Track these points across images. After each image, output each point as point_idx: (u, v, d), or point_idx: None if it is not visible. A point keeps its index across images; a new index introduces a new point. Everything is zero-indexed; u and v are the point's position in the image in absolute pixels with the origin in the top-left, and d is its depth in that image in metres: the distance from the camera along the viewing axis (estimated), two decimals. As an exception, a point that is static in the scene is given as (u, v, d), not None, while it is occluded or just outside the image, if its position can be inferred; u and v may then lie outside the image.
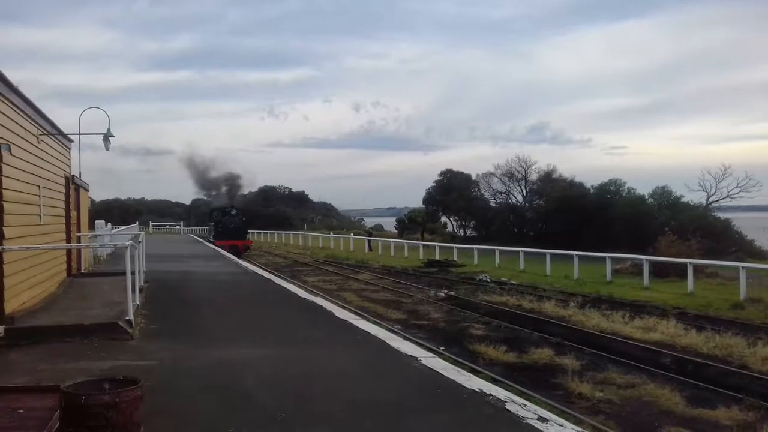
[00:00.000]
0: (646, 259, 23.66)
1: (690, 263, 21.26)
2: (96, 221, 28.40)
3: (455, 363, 9.66)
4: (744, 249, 39.12)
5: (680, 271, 22.26)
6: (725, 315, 16.52)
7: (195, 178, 73.76)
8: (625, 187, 52.54)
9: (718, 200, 49.58)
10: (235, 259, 27.17)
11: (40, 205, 11.91)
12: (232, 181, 63.77)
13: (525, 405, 5.95)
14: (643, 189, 52.78)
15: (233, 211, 47.19)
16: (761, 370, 10.90)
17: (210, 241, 44.11)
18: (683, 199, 49.19)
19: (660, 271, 24.22)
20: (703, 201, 49.59)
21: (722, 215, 47.43)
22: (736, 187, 48.58)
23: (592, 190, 52.99)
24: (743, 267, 19.69)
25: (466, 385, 6.56)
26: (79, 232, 18.02)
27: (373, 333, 9.72)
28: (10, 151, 9.58)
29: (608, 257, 25.07)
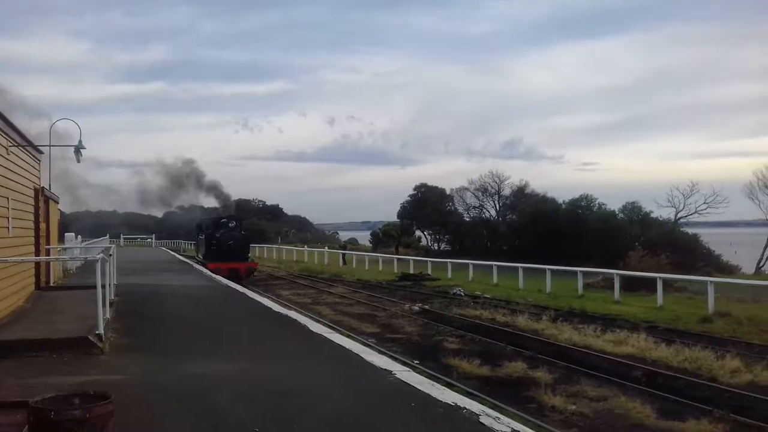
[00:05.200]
0: (616, 274, 23.97)
1: (660, 277, 21.58)
2: (66, 234, 27.93)
3: (430, 376, 9.66)
4: (712, 264, 39.94)
5: (650, 285, 22.58)
6: (694, 328, 16.77)
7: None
8: (596, 202, 53.46)
9: (686, 216, 50.64)
10: (208, 272, 26.87)
11: (8, 218, 11.69)
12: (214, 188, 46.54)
13: (499, 418, 5.98)
14: (614, 204, 53.76)
15: (231, 223, 34.45)
16: (729, 383, 11.09)
17: (200, 262, 34.31)
18: (653, 215, 50.18)
19: (630, 285, 24.55)
20: (672, 217, 50.58)
21: (690, 231, 48.42)
22: (704, 203, 49.69)
23: (563, 206, 53.70)
24: (711, 281, 20.05)
25: (441, 399, 6.58)
26: (49, 244, 17.70)
27: (347, 347, 9.69)
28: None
29: (580, 271, 25.34)
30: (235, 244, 32.51)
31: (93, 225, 72.10)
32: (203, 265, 31.64)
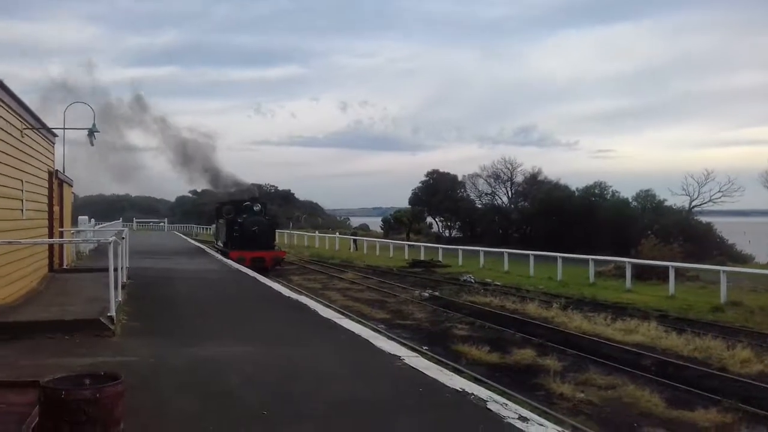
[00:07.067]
0: (628, 262, 23.83)
1: (672, 266, 21.45)
2: (79, 217, 28.15)
3: (438, 362, 9.70)
4: (725, 253, 39.60)
5: (662, 274, 22.45)
6: (705, 318, 16.68)
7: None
8: (610, 190, 52.92)
9: (700, 204, 50.05)
10: (219, 256, 26.98)
11: (22, 200, 11.79)
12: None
13: (506, 405, 5.99)
14: (628, 192, 53.20)
15: (256, 207, 30.51)
16: (740, 373, 11.03)
17: (219, 250, 31.50)
18: (666, 203, 49.71)
19: (642, 274, 24.41)
20: (686, 205, 50.06)
21: (704, 219, 47.93)
22: (719, 191, 49.05)
23: (577, 193, 53.32)
24: (724, 270, 19.91)
25: (449, 385, 6.60)
26: (62, 227, 17.86)
27: (357, 332, 9.73)
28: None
29: (591, 259, 25.22)
30: (261, 231, 29.25)
31: (106, 208, 72.67)
32: (224, 253, 28.91)
